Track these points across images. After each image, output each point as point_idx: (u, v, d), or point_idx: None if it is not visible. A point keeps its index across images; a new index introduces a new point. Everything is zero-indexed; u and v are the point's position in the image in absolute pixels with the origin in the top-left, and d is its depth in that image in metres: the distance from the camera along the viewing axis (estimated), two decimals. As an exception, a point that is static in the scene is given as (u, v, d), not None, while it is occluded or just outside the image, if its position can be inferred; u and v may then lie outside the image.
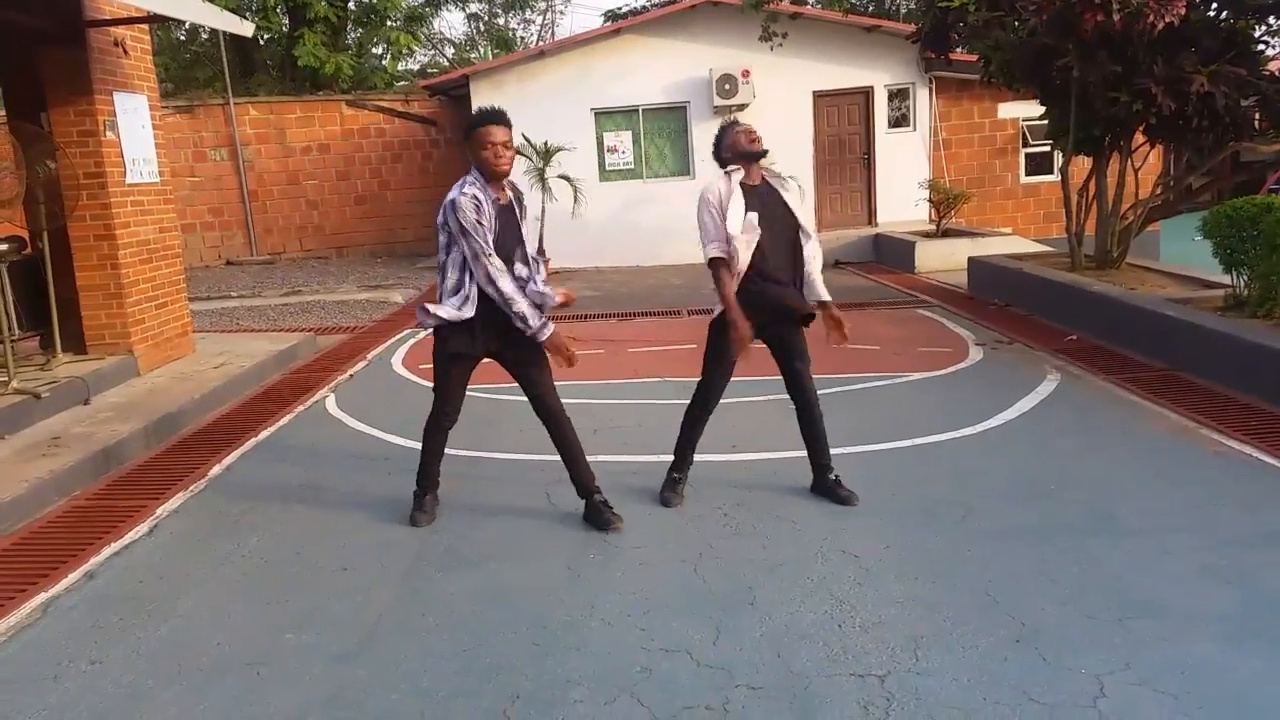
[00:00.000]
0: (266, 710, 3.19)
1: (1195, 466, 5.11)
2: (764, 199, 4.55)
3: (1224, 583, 3.75)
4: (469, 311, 4.38)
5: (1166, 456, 5.30)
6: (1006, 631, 3.43)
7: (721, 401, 4.83)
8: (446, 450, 4.83)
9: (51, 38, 7.53)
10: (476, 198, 4.28)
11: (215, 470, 5.86)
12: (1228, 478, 4.91)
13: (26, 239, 7.92)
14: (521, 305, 4.32)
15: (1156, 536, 4.19)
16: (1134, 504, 4.59)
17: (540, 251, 14.92)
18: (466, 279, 4.37)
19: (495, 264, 4.28)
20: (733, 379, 4.77)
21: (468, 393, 4.74)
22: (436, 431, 4.73)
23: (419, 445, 4.77)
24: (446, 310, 4.40)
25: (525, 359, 4.54)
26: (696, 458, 5.22)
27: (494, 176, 4.35)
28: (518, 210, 4.52)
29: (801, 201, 4.78)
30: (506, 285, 4.30)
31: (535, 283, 4.45)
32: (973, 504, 4.66)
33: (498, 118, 4.36)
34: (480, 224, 4.26)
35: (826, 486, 4.79)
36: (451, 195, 4.32)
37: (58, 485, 5.43)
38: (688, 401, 4.93)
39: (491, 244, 4.28)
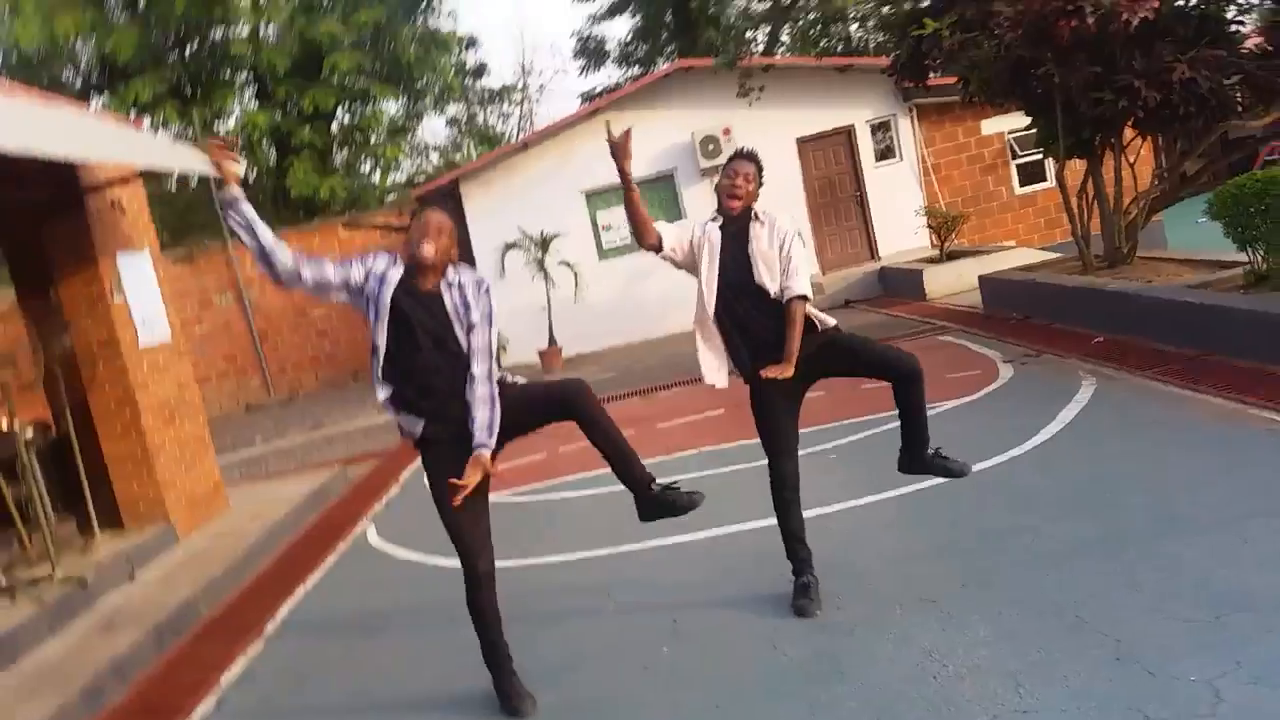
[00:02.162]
0: None
1: (1251, 448, 5.00)
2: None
3: (1314, 562, 3.63)
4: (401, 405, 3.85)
5: (1219, 442, 5.20)
6: (1102, 651, 3.32)
7: (763, 462, 4.61)
8: None
9: (52, 209, 7.62)
10: (374, 255, 3.86)
11: (270, 628, 5.69)
12: (1289, 454, 4.80)
13: (51, 420, 7.95)
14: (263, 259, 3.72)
15: (1232, 526, 4.08)
16: (1198, 496, 4.48)
17: (551, 342, 14.96)
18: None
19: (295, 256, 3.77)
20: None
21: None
22: (474, 593, 3.92)
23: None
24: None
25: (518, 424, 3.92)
26: (749, 526, 5.13)
27: (419, 269, 3.77)
28: (449, 299, 3.80)
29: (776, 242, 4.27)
30: (307, 274, 3.76)
31: (476, 419, 3.76)
32: (1037, 525, 4.56)
33: (439, 205, 3.97)
34: (352, 266, 3.81)
35: (927, 462, 4.29)
36: None
37: (118, 672, 5.24)
38: (728, 469, 4.84)
39: (339, 274, 3.77)
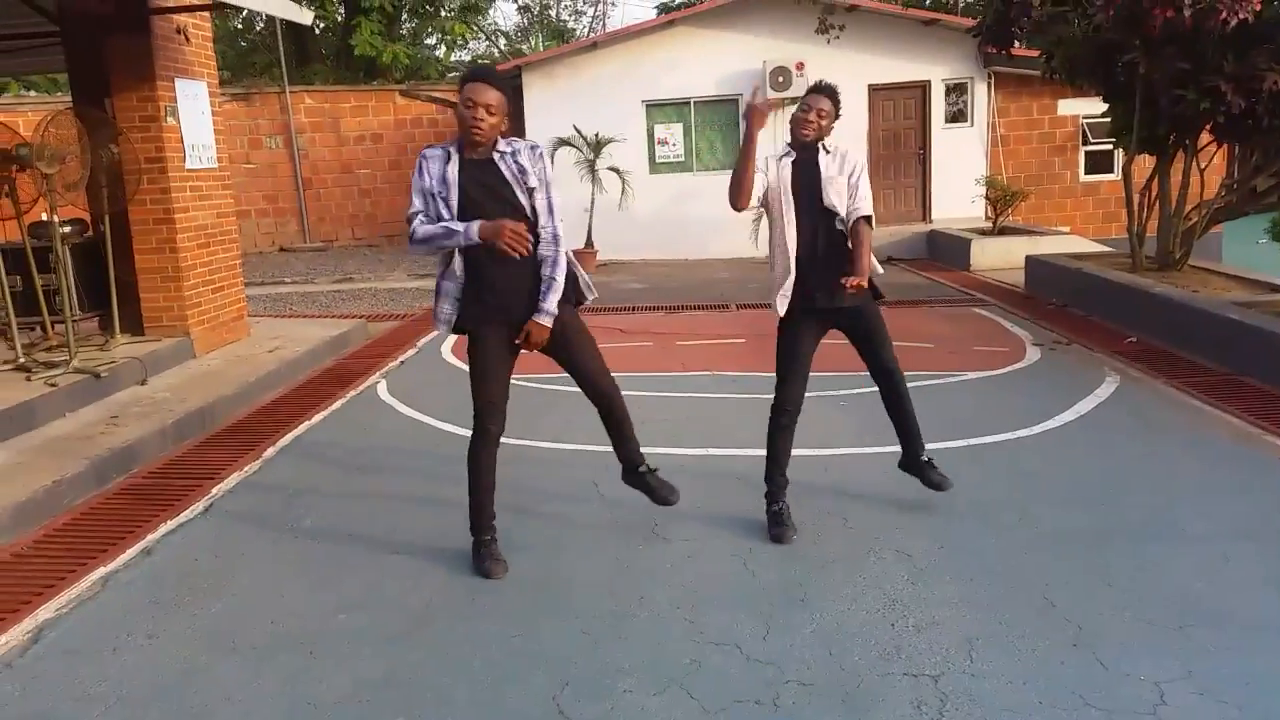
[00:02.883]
0: (319, 689, 3.21)
1: (1260, 473, 4.98)
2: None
3: (1291, 592, 3.65)
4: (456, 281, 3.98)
5: (1230, 462, 5.17)
6: (1063, 635, 3.37)
7: (761, 394, 4.69)
8: None
9: (117, 25, 7.66)
10: (424, 156, 3.90)
11: (270, 452, 5.93)
12: (1295, 485, 4.79)
13: (89, 222, 8.08)
14: (448, 239, 3.81)
15: (1219, 543, 4.09)
16: (1195, 510, 4.48)
17: (589, 244, 14.98)
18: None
19: (413, 226, 3.89)
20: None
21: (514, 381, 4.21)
22: (479, 449, 4.06)
23: (468, 431, 4.16)
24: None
25: (563, 341, 4.04)
26: (745, 452, 5.19)
27: (469, 144, 3.83)
28: (505, 169, 3.87)
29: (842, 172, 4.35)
30: (422, 230, 3.85)
31: (547, 278, 3.91)
32: (1029, 506, 4.58)
33: (485, 74, 3.86)
34: (420, 188, 3.89)
35: (917, 468, 4.59)
36: None
37: (116, 463, 5.53)
38: (737, 396, 4.88)
39: (424, 206, 3.88)
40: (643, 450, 4.33)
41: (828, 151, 4.36)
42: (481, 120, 3.74)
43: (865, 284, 4.16)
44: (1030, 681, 3.08)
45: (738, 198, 4.25)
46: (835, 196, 4.27)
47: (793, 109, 4.50)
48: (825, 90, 4.37)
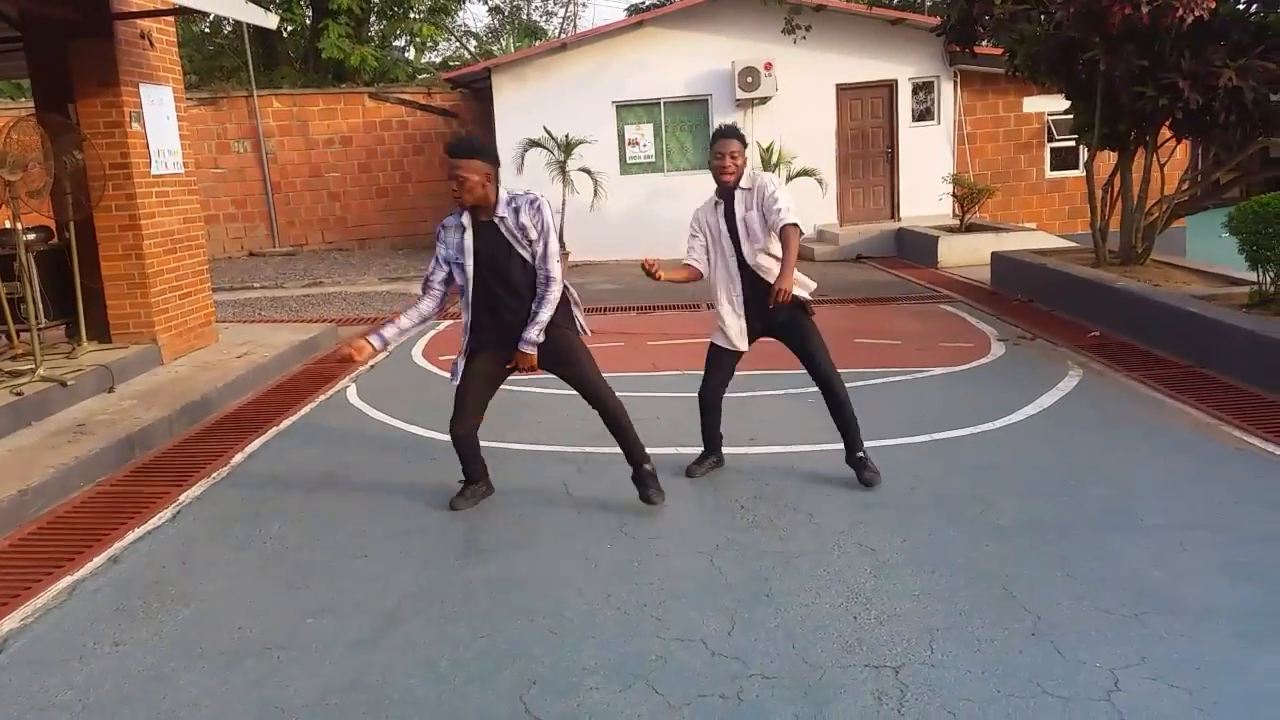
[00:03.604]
0: (286, 693, 3.23)
1: (1217, 464, 5.07)
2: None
3: (1243, 580, 3.72)
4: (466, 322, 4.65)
5: (1188, 453, 5.27)
6: (1022, 625, 3.43)
7: (741, 394, 4.85)
8: None
9: (80, 30, 7.61)
10: (443, 227, 4.53)
11: (238, 458, 5.92)
12: (1250, 475, 4.88)
13: (54, 229, 8.02)
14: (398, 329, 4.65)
15: (1176, 533, 4.17)
16: (1154, 501, 4.57)
17: (560, 245, 14.95)
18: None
19: (426, 285, 4.64)
20: (752, 372, 4.79)
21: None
22: (457, 439, 4.74)
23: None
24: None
25: (565, 359, 4.61)
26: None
27: (457, 204, 4.48)
28: (505, 231, 4.45)
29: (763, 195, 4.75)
30: (404, 322, 4.63)
31: (533, 313, 4.48)
32: (991, 499, 4.65)
33: (457, 149, 4.40)
34: (440, 256, 4.56)
35: (853, 463, 4.95)
36: None
37: (83, 471, 5.50)
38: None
39: (442, 272, 4.58)
40: (618, 450, 4.68)
41: (741, 188, 4.73)
42: (459, 192, 4.35)
43: (788, 296, 4.46)
44: (989, 671, 3.14)
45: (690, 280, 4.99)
46: (748, 239, 4.71)
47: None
48: (729, 134, 4.77)
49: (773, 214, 4.60)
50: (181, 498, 5.25)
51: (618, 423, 4.65)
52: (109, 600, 4.03)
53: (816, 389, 4.90)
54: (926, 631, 3.41)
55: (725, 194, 4.78)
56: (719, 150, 4.73)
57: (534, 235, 4.40)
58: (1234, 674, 3.08)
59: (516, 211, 4.41)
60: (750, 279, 4.76)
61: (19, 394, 6.38)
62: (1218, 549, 4.00)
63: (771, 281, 4.58)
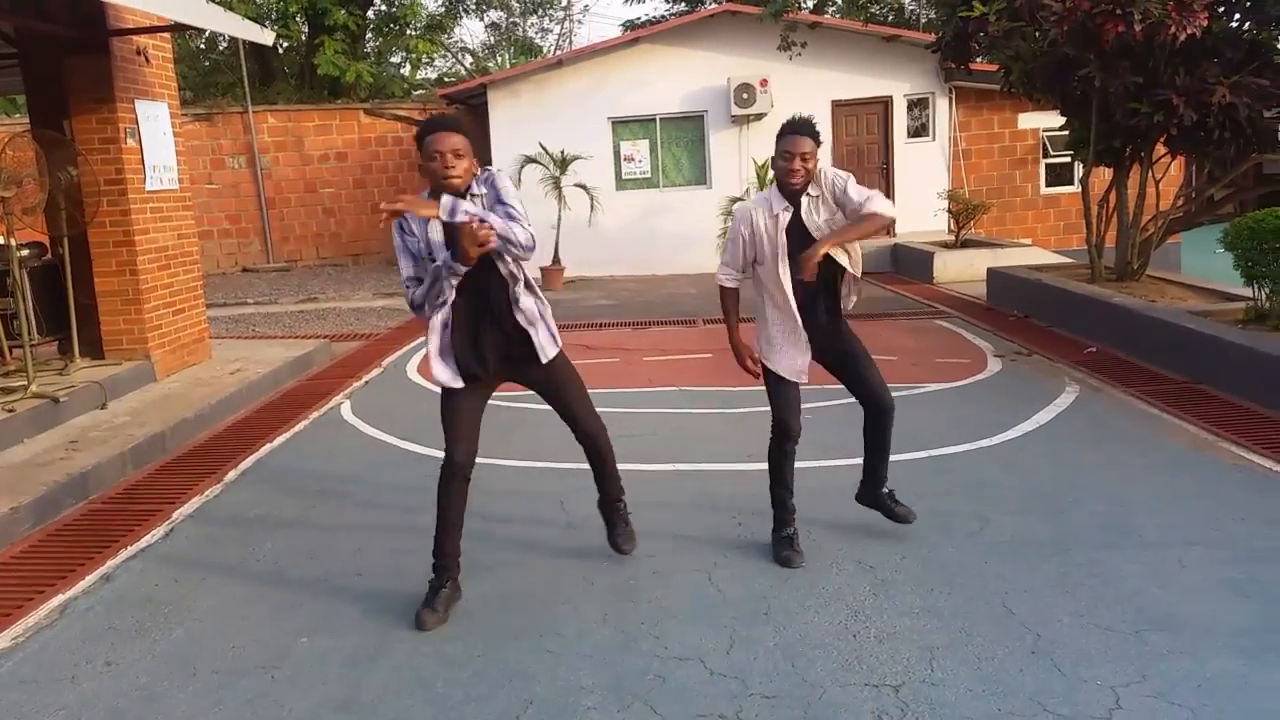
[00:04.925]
0: (280, 713, 3.19)
1: (1215, 480, 5.06)
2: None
3: (1243, 596, 3.71)
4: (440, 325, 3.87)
5: (1186, 470, 5.26)
6: (1022, 643, 3.41)
7: (738, 410, 4.78)
8: None
9: (76, 46, 7.61)
10: (403, 216, 3.74)
11: (231, 475, 5.89)
12: (1248, 491, 4.86)
13: (47, 245, 8.01)
14: (440, 281, 3.70)
15: (1174, 549, 4.16)
16: (1152, 517, 4.55)
17: (555, 261, 14.96)
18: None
19: (410, 297, 3.83)
20: (747, 389, 4.65)
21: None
22: (447, 481, 3.89)
23: (434, 451, 4.35)
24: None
25: (545, 382, 4.02)
26: (711, 467, 5.21)
27: (444, 190, 3.65)
28: (480, 198, 3.74)
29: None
30: (418, 296, 3.79)
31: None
32: (989, 516, 4.63)
33: (441, 123, 3.73)
34: (405, 249, 3.78)
35: (879, 500, 4.51)
36: None
37: (75, 488, 5.47)
38: (701, 410, 4.91)
39: (414, 270, 3.77)
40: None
41: (809, 194, 4.06)
42: (453, 167, 3.61)
43: (821, 254, 3.86)
44: (990, 689, 3.12)
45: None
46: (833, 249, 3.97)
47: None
48: (799, 128, 4.00)
49: (853, 204, 3.95)
50: (175, 515, 5.21)
51: (605, 459, 4.21)
52: (101, 619, 3.99)
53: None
54: (926, 649, 3.38)
55: (790, 199, 4.07)
56: (788, 150, 3.98)
57: (488, 204, 3.70)
58: (1235, 691, 3.06)
59: (484, 191, 3.74)
60: (813, 306, 4.15)
61: (10, 410, 6.35)
62: (1217, 565, 3.99)
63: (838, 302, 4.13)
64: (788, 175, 4.00)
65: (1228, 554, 4.10)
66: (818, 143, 4.04)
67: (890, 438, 4.42)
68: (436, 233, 3.70)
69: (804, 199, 4.06)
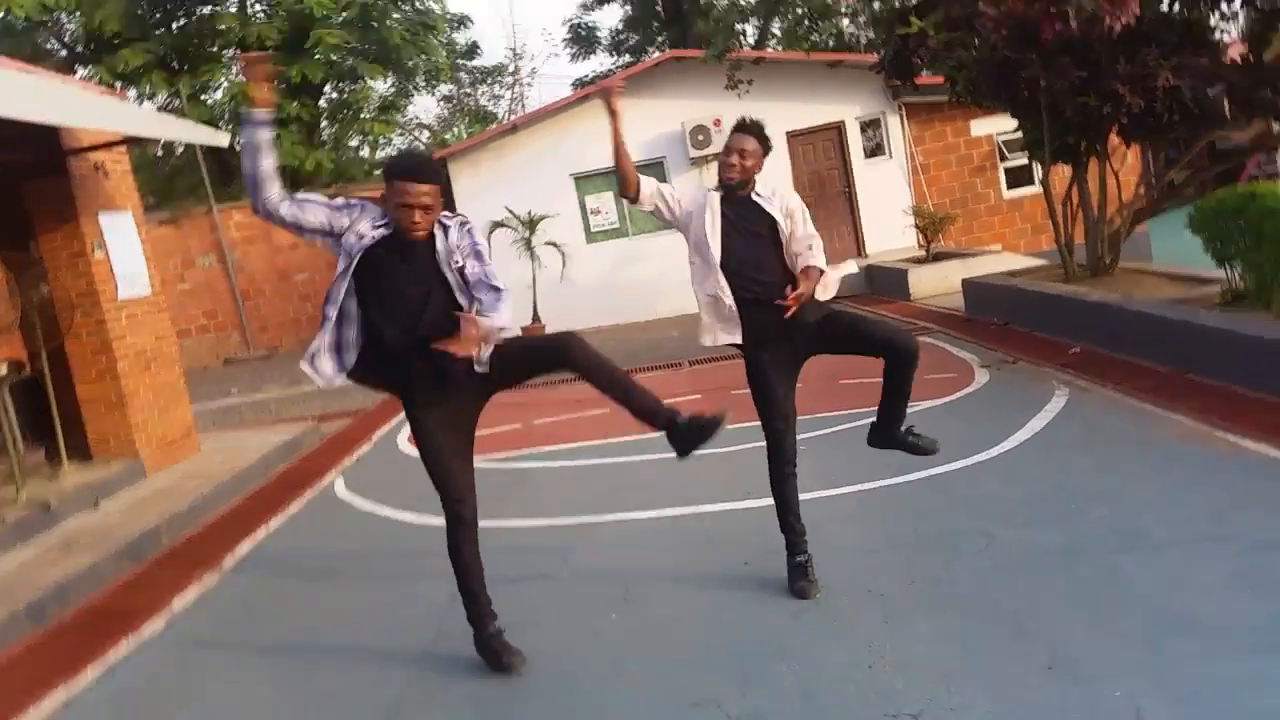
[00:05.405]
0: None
1: (1213, 470, 5.04)
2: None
3: (1253, 590, 3.66)
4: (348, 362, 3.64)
5: (1183, 463, 5.24)
6: (1039, 659, 3.37)
7: (730, 448, 4.71)
8: None
9: (34, 170, 7.68)
10: (362, 205, 3.63)
11: (229, 562, 5.84)
12: (1246, 479, 4.85)
13: (25, 360, 7.99)
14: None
15: (1181, 548, 4.12)
16: (1156, 515, 4.51)
17: (535, 319, 14.98)
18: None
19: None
20: (737, 426, 4.53)
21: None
22: (458, 540, 3.76)
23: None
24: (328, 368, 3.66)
25: (504, 368, 3.68)
26: (712, 508, 5.17)
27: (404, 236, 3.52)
28: (440, 244, 3.59)
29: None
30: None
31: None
32: (994, 531, 4.60)
33: (414, 167, 3.61)
34: (330, 205, 3.64)
35: (896, 438, 4.33)
36: None
37: (73, 587, 5.42)
38: (697, 452, 4.82)
39: (341, 294, 3.57)
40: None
41: (759, 195, 4.09)
42: (419, 222, 3.48)
43: (808, 293, 3.90)
44: (1010, 709, 3.08)
45: (623, 185, 4.13)
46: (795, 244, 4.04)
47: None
48: (745, 127, 4.05)
49: (801, 230, 4.04)
50: (174, 606, 5.14)
51: (623, 385, 3.92)
52: (106, 714, 3.97)
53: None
54: (943, 675, 3.34)
55: (732, 193, 4.07)
56: (728, 145, 4.05)
57: (460, 258, 3.57)
58: (1255, 690, 3.01)
59: (449, 231, 3.62)
60: (751, 286, 4.06)
61: (2, 520, 6.31)
62: (1224, 559, 3.96)
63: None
64: (723, 169, 4.06)
65: (1234, 547, 4.06)
66: (764, 144, 4.06)
67: (910, 381, 4.19)
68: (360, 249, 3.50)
69: (754, 196, 4.08)
